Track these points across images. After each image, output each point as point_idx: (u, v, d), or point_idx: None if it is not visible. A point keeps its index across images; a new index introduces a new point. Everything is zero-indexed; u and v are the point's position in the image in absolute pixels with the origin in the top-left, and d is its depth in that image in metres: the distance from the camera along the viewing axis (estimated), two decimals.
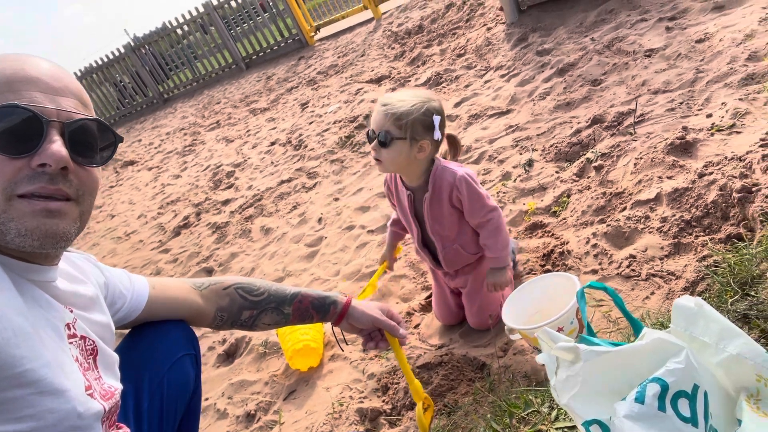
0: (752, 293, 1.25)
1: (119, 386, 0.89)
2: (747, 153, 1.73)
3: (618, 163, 2.13)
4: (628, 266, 1.60)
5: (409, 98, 1.45)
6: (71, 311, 0.84)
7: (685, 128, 2.06)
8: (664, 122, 2.23)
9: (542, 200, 2.17)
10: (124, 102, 12.71)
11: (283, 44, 9.97)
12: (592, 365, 0.82)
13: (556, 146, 2.48)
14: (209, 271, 3.07)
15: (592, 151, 2.27)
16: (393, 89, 4.81)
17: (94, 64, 12.38)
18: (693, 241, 1.57)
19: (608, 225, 1.79)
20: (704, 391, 0.80)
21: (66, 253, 0.94)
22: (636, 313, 1.44)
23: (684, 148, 1.96)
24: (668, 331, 0.88)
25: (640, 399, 0.77)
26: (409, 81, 4.78)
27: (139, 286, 1.07)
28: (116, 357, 0.92)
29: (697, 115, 2.18)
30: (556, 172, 2.32)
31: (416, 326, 1.85)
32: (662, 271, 1.52)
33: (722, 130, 1.96)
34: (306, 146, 4.35)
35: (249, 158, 4.82)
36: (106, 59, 12.19)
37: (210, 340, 2.33)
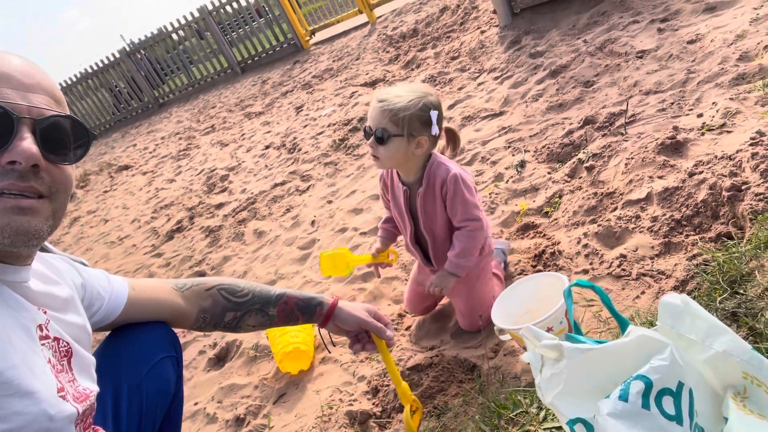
0: (741, 291, 1.24)
1: (95, 388, 0.87)
2: (737, 152, 1.73)
3: (609, 163, 2.12)
4: (618, 266, 1.59)
5: (406, 93, 1.41)
6: (45, 312, 0.82)
7: (675, 128, 2.06)
8: (656, 122, 2.22)
9: (534, 201, 2.16)
10: (120, 107, 12.70)
11: (278, 48, 9.97)
12: (576, 362, 0.81)
13: (548, 147, 2.47)
14: (201, 275, 3.05)
15: (584, 152, 2.26)
16: None
17: (90, 70, 12.36)
18: (683, 240, 1.57)
19: (599, 225, 1.79)
20: (689, 389, 0.79)
21: (41, 254, 0.92)
22: (626, 312, 1.43)
23: (675, 147, 1.95)
24: (655, 328, 0.87)
25: (623, 397, 0.75)
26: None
27: (118, 287, 1.05)
28: (92, 359, 0.90)
29: (688, 115, 2.18)
30: (548, 172, 2.31)
31: (407, 328, 1.83)
32: (653, 270, 1.51)
33: (713, 129, 1.96)
34: (300, 149, 4.34)
35: (243, 162, 4.81)
36: (101, 64, 12.18)
37: (201, 344, 2.31)
